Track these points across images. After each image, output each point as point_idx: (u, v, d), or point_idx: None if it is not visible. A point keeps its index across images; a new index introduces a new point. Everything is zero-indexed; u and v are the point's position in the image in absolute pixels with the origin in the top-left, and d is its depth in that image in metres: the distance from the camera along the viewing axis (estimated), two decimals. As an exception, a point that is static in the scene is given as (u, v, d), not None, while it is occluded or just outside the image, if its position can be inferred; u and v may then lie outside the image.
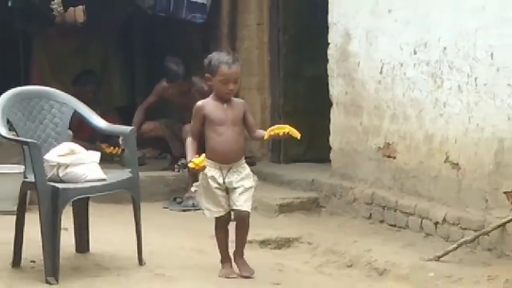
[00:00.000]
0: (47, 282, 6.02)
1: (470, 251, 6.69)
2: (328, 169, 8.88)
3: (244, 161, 5.52)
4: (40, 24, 12.26)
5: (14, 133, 6.65)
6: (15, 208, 6.78)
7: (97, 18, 12.33)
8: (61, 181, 6.34)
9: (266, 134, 5.24)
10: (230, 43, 10.72)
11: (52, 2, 12.30)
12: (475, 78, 6.92)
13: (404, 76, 7.69)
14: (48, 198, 6.22)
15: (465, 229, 6.86)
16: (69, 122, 7.15)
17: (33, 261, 6.48)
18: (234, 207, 5.25)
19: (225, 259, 5.57)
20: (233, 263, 5.57)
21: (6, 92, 6.79)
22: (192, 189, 5.53)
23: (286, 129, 5.08)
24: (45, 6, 12.34)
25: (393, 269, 6.48)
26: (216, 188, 5.23)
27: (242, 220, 5.35)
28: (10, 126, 6.66)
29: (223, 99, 5.30)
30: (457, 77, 7.12)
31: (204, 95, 9.41)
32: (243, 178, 5.31)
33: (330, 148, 8.83)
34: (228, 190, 5.33)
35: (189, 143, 5.44)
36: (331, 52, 8.69)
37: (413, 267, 6.50)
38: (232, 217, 5.43)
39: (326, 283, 6.33)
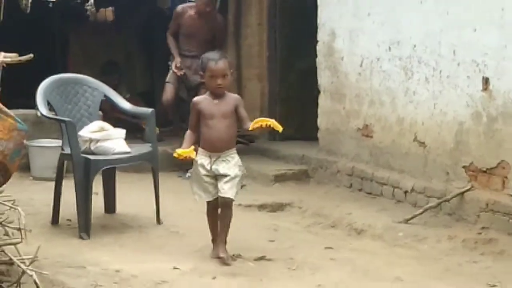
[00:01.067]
0: (80, 237, 6.15)
1: (434, 215, 6.73)
2: (316, 146, 8.87)
3: (234, 151, 5.28)
4: (76, 22, 12.24)
5: (54, 113, 6.69)
6: (54, 176, 6.82)
7: (124, 17, 12.32)
8: (93, 153, 6.42)
9: (251, 125, 4.97)
10: (235, 40, 10.72)
11: (87, 4, 12.32)
12: (440, 71, 6.94)
13: (380, 69, 7.70)
14: (81, 168, 6.30)
15: (430, 197, 6.92)
16: (99, 104, 7.19)
17: (69, 220, 6.56)
18: (219, 194, 5.02)
19: (214, 242, 5.34)
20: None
21: (46, 79, 6.82)
22: (187, 175, 5.54)
23: (269, 122, 4.88)
24: (80, 7, 12.38)
25: (369, 230, 6.54)
26: (205, 175, 5.02)
27: (226, 205, 5.11)
28: (50, 107, 6.71)
29: (215, 94, 5.08)
30: (425, 70, 7.13)
31: (222, 31, 9.61)
32: (229, 167, 5.05)
33: (318, 128, 8.82)
34: (216, 178, 5.08)
35: (187, 134, 5.30)
36: (319, 48, 8.67)
37: (386, 228, 6.57)
38: None
39: (313, 240, 6.36)
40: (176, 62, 9.10)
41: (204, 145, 5.04)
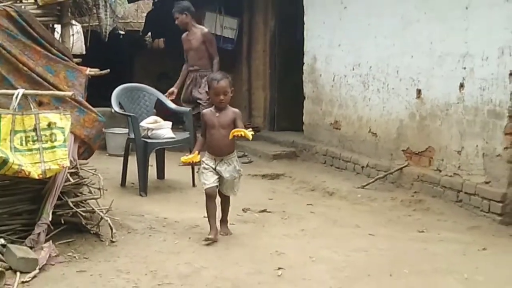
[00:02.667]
0: (140, 195, 6.22)
1: (381, 183, 6.74)
2: (302, 135, 8.81)
3: (234, 155, 4.76)
4: (139, 48, 12.26)
5: (123, 110, 6.71)
6: (122, 153, 6.81)
7: (170, 45, 12.31)
8: (149, 138, 6.42)
9: (230, 135, 4.44)
10: (247, 62, 10.64)
11: (146, 37, 12.36)
12: (387, 85, 6.92)
13: (346, 82, 7.66)
14: (141, 148, 6.34)
15: (379, 170, 6.91)
16: (154, 104, 7.21)
17: (133, 183, 6.59)
18: (221, 191, 4.69)
19: (211, 227, 4.72)
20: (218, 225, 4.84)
21: (118, 87, 6.88)
22: (196, 171, 5.02)
23: (241, 132, 4.35)
24: (142, 38, 12.40)
25: (337, 192, 6.55)
26: (210, 171, 4.58)
27: (225, 200, 4.81)
28: (120, 106, 6.72)
29: (218, 107, 4.58)
30: (377, 84, 7.10)
31: (211, 42, 8.24)
32: (229, 171, 4.61)
33: (303, 123, 8.79)
34: (219, 173, 4.64)
35: (198, 140, 4.85)
36: (305, 68, 8.63)
37: (349, 191, 6.58)
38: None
39: (299, 199, 6.37)
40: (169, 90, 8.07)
41: (209, 150, 4.63)
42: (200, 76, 7.95)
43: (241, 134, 4.27)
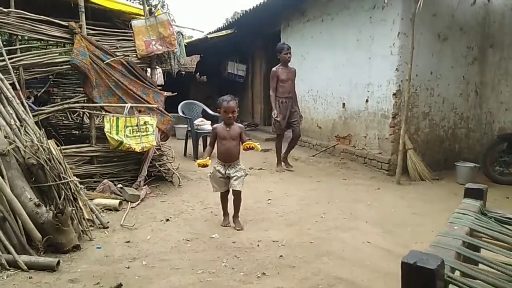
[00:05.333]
0: (194, 160, 6.02)
1: (323, 154, 6.70)
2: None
3: (239, 161, 3.50)
4: (193, 80, 12.14)
5: (184, 115, 6.66)
6: (184, 138, 6.71)
7: (211, 79, 12.22)
8: (198, 130, 6.35)
9: (242, 146, 3.41)
10: (251, 88, 10.49)
11: (197, 75, 12.25)
12: (327, 100, 6.89)
13: (304, 99, 7.58)
14: (194, 135, 6.25)
15: (322, 147, 6.85)
16: (201, 111, 7.13)
17: (190, 154, 6.46)
18: (232, 188, 3.42)
19: (224, 215, 3.61)
20: (231, 219, 3.56)
21: (182, 102, 6.84)
22: (209, 174, 3.63)
23: (252, 144, 3.34)
24: (194, 76, 12.29)
25: (299, 159, 6.49)
26: (220, 177, 3.43)
27: (237, 194, 3.46)
28: (183, 112, 6.68)
29: (227, 123, 3.44)
30: (321, 100, 7.07)
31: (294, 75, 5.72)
32: (237, 171, 3.43)
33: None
34: (228, 178, 3.44)
35: (207, 148, 3.49)
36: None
37: (306, 158, 6.53)
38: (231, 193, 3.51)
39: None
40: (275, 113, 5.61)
41: (219, 157, 3.45)
42: (293, 102, 5.71)
43: (252, 146, 3.34)
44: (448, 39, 5.49)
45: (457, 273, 1.01)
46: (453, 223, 1.32)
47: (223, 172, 3.44)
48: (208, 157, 3.33)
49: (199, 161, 3.27)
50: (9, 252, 2.57)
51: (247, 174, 3.61)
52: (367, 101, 5.87)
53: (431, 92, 5.51)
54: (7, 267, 2.51)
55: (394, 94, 5.32)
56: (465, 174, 5.02)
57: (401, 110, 5.23)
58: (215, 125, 3.55)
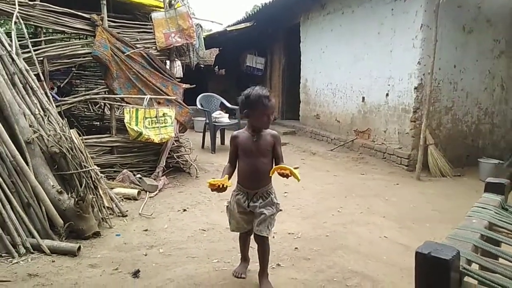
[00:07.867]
0: (212, 152, 6.14)
1: (341, 149, 6.66)
2: (299, 122, 8.76)
3: (271, 186, 2.19)
4: (212, 74, 12.16)
5: (202, 107, 6.69)
6: (202, 130, 6.75)
7: (228, 72, 12.22)
8: (216, 122, 6.39)
9: (273, 170, 2.00)
10: (269, 82, 10.47)
11: (215, 68, 12.28)
12: (346, 94, 6.83)
13: (323, 92, 7.58)
14: (212, 128, 6.28)
15: (341, 141, 6.82)
16: (219, 104, 7.15)
17: (208, 147, 6.53)
18: (254, 231, 2.16)
19: (242, 259, 2.45)
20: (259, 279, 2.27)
21: (200, 95, 6.85)
22: (225, 203, 2.36)
23: (288, 170, 1.94)
24: (214, 69, 12.31)
25: (317, 153, 6.50)
26: (240, 212, 2.21)
27: (261, 241, 2.18)
28: (201, 105, 6.71)
29: (257, 130, 2.16)
30: (341, 93, 7.01)
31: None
32: (265, 205, 2.14)
33: (300, 115, 8.73)
34: (252, 213, 2.19)
35: (226, 166, 2.22)
36: (301, 85, 8.56)
37: (324, 152, 6.51)
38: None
39: (296, 156, 6.33)
40: None
41: (241, 181, 2.22)
42: None
43: (288, 174, 1.97)
44: (474, 31, 5.32)
45: (475, 266, 0.99)
46: (472, 217, 1.29)
47: (245, 204, 2.22)
48: (227, 176, 2.14)
49: (212, 180, 2.03)
50: (33, 236, 2.67)
51: (280, 210, 2.27)
52: (387, 95, 5.77)
53: (454, 86, 5.37)
54: (31, 250, 2.61)
55: (415, 88, 5.21)
56: (488, 171, 4.87)
57: (422, 105, 5.12)
58: (235, 133, 2.28)
